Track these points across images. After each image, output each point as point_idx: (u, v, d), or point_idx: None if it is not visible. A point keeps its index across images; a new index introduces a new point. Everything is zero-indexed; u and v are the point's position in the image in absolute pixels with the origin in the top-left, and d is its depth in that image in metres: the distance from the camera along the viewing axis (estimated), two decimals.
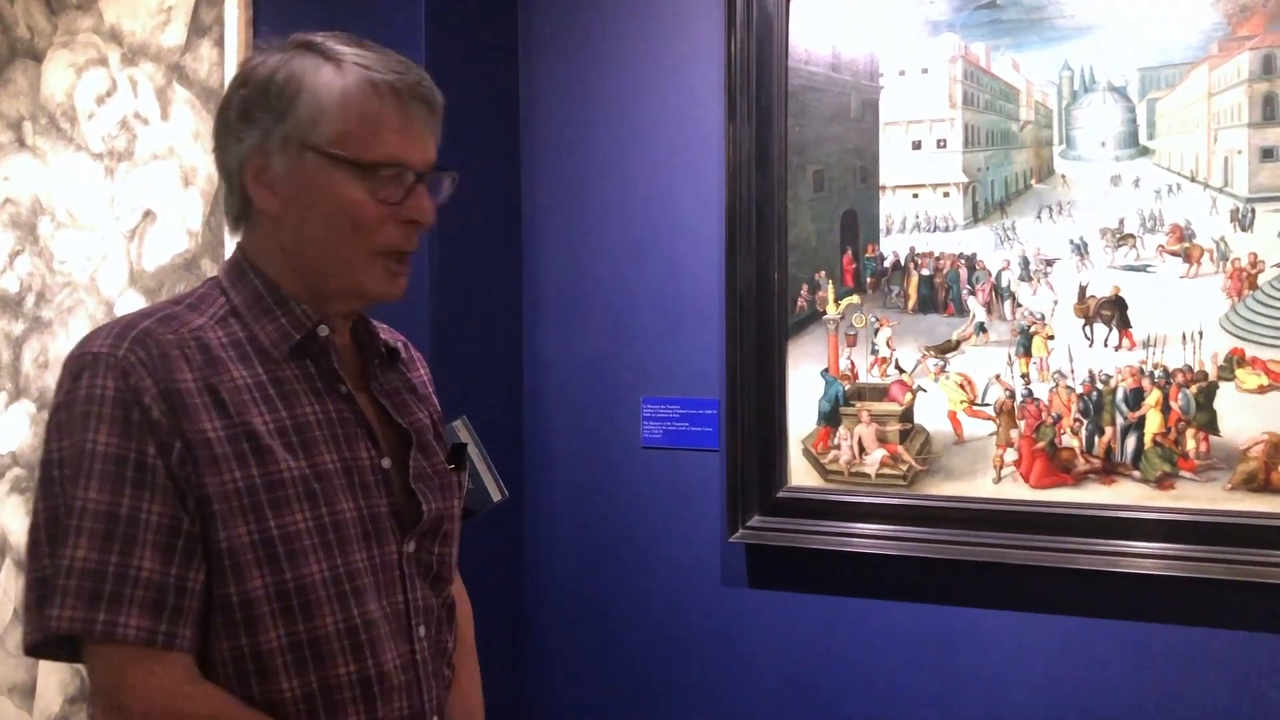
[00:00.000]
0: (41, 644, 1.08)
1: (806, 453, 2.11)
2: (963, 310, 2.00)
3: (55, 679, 2.55)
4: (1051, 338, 1.93)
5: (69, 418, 1.09)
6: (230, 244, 2.30)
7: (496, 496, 1.45)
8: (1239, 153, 1.81)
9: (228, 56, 2.29)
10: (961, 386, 2.00)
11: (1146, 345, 1.87)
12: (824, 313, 2.10)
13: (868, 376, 2.07)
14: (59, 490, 1.08)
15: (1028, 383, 1.95)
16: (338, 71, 1.16)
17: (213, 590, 1.11)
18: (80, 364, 1.11)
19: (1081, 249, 1.92)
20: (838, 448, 2.09)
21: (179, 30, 2.39)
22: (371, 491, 1.21)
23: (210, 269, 2.34)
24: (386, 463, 1.23)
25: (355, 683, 1.16)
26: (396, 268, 1.21)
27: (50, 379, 2.55)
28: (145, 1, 2.44)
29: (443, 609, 1.31)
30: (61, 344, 2.55)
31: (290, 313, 1.20)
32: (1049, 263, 1.94)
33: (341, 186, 1.16)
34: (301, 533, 1.13)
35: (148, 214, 2.44)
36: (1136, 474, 1.88)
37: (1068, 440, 1.92)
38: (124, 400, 1.08)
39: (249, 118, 1.17)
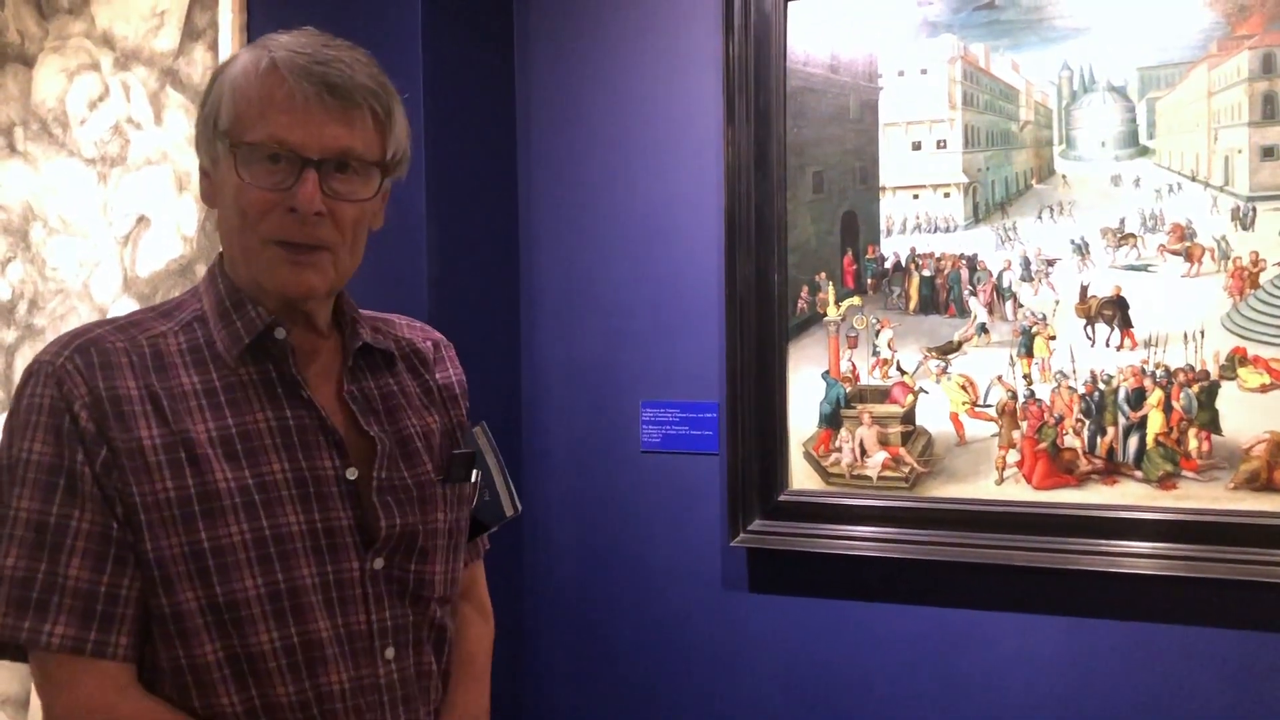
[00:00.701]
0: None
1: (808, 455, 2.11)
2: (964, 311, 2.00)
3: None
4: (1053, 338, 1.93)
5: (12, 426, 1.10)
6: None
7: (509, 511, 1.39)
8: (1239, 152, 1.81)
9: (222, 61, 2.27)
10: (963, 388, 1.99)
11: (1148, 345, 1.87)
12: (824, 314, 2.09)
13: (869, 378, 2.06)
14: (1, 500, 1.09)
15: (1030, 383, 1.95)
16: (248, 55, 1.14)
17: (148, 600, 1.09)
18: (28, 373, 1.11)
19: (1083, 249, 1.92)
20: (839, 450, 2.08)
21: (172, 34, 2.38)
22: (331, 503, 1.15)
23: None
24: (353, 473, 1.17)
25: (296, 704, 1.11)
26: (294, 258, 1.12)
27: None
28: (138, 5, 2.42)
29: (428, 630, 1.24)
30: None
31: (245, 315, 1.16)
32: (1050, 263, 1.94)
33: (229, 171, 1.12)
34: (236, 545, 1.09)
35: (141, 219, 2.42)
36: (1139, 474, 1.88)
37: (1070, 441, 1.92)
38: (57, 408, 1.08)
39: (200, 115, 1.18)
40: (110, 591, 1.07)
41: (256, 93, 1.10)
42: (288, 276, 1.13)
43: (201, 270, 2.33)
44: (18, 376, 2.50)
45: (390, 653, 1.18)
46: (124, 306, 2.44)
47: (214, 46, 2.30)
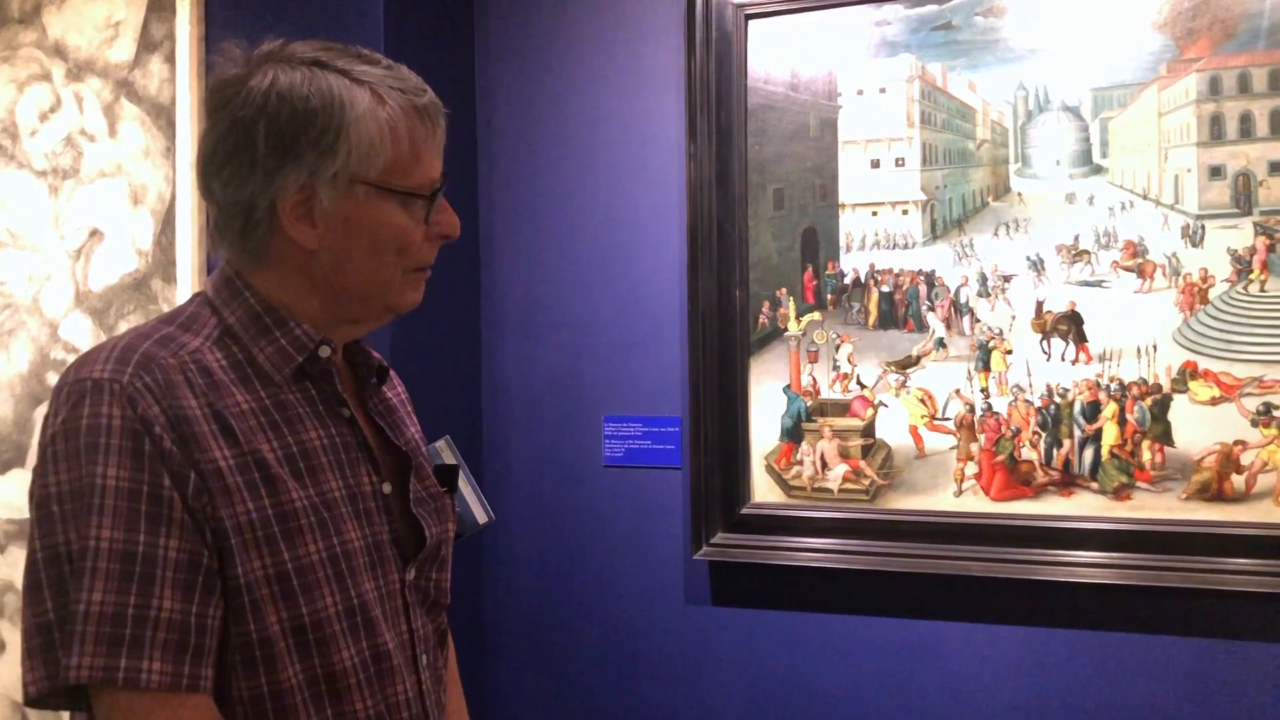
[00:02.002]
0: (50, 694, 1.01)
1: (769, 469, 2.12)
2: (922, 326, 2.03)
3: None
4: (1010, 352, 1.97)
5: (69, 448, 1.02)
6: (183, 263, 2.26)
7: (482, 519, 1.41)
8: (1188, 171, 1.87)
9: (179, 73, 2.25)
10: (922, 401, 2.02)
11: (1103, 359, 1.91)
12: (785, 329, 2.11)
13: (829, 392, 2.09)
14: (61, 527, 1.00)
15: (987, 397, 1.98)
16: (376, 98, 1.12)
17: (230, 628, 1.05)
18: (80, 390, 1.03)
19: (1038, 265, 1.96)
20: (800, 463, 2.10)
21: (127, 45, 2.35)
22: (374, 518, 1.17)
23: (162, 289, 2.29)
24: (387, 488, 1.19)
25: (373, 717, 1.12)
26: (422, 279, 1.21)
27: None
28: (92, 16, 2.39)
29: (437, 635, 1.28)
30: (2, 367, 2.47)
31: (290, 333, 1.14)
32: (1006, 279, 1.97)
33: (390, 215, 1.14)
34: (315, 564, 1.09)
35: (95, 233, 2.39)
36: (1094, 485, 1.91)
37: (1027, 453, 1.95)
38: (133, 430, 1.02)
39: (288, 152, 1.10)
40: (199, 622, 1.02)
41: (416, 138, 1.14)
42: (418, 296, 1.20)
43: (157, 284, 2.29)
44: None
45: (425, 660, 1.22)
46: (75, 321, 2.39)
47: (171, 58, 2.28)
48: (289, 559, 1.07)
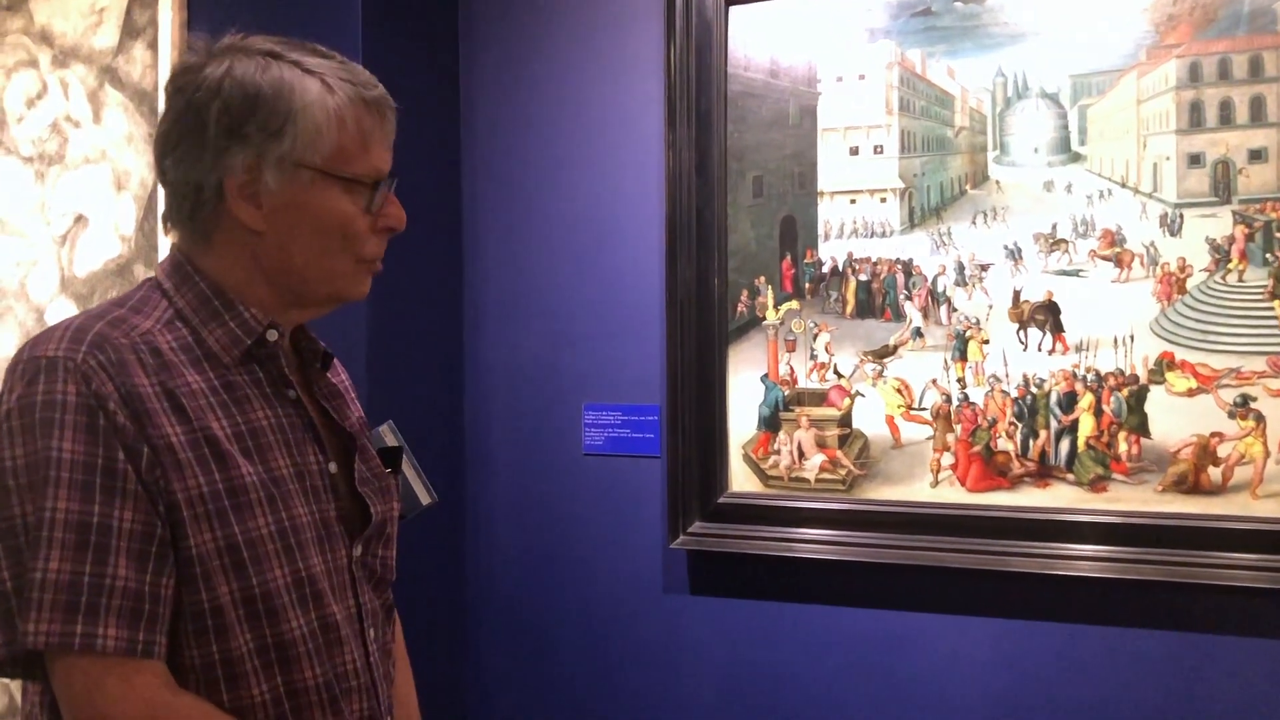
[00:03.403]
0: (8, 661, 1.05)
1: (747, 458, 2.11)
2: (900, 315, 2.01)
3: None
4: (986, 342, 1.95)
5: (24, 424, 1.05)
6: (165, 249, 2.26)
7: (425, 500, 1.44)
8: (1167, 159, 1.84)
9: (161, 59, 2.26)
10: (899, 391, 2.01)
11: (1079, 349, 1.89)
12: (763, 318, 2.10)
13: (807, 381, 2.07)
14: (17, 500, 1.04)
15: (964, 387, 1.96)
16: (325, 88, 1.16)
17: (182, 597, 1.09)
18: (34, 368, 1.07)
19: (1015, 254, 1.94)
20: (778, 453, 2.09)
21: (111, 32, 2.35)
22: (321, 496, 1.20)
23: (144, 274, 2.29)
24: (333, 467, 1.23)
25: (321, 685, 1.16)
26: (372, 271, 1.24)
27: None
28: (77, 2, 2.39)
29: (384, 610, 1.31)
30: None
31: (238, 316, 1.18)
32: (984, 268, 1.96)
33: (334, 200, 1.17)
34: (264, 538, 1.12)
35: (79, 219, 2.40)
36: (1070, 477, 1.90)
37: (1003, 444, 1.94)
38: (88, 405, 1.05)
39: (236, 134, 1.14)
40: (153, 591, 1.06)
41: (363, 127, 1.18)
42: (365, 288, 1.24)
43: (140, 270, 2.30)
44: None
45: (372, 633, 1.25)
46: (61, 306, 2.41)
47: (154, 45, 2.28)
48: (239, 532, 1.11)
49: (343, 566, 1.22)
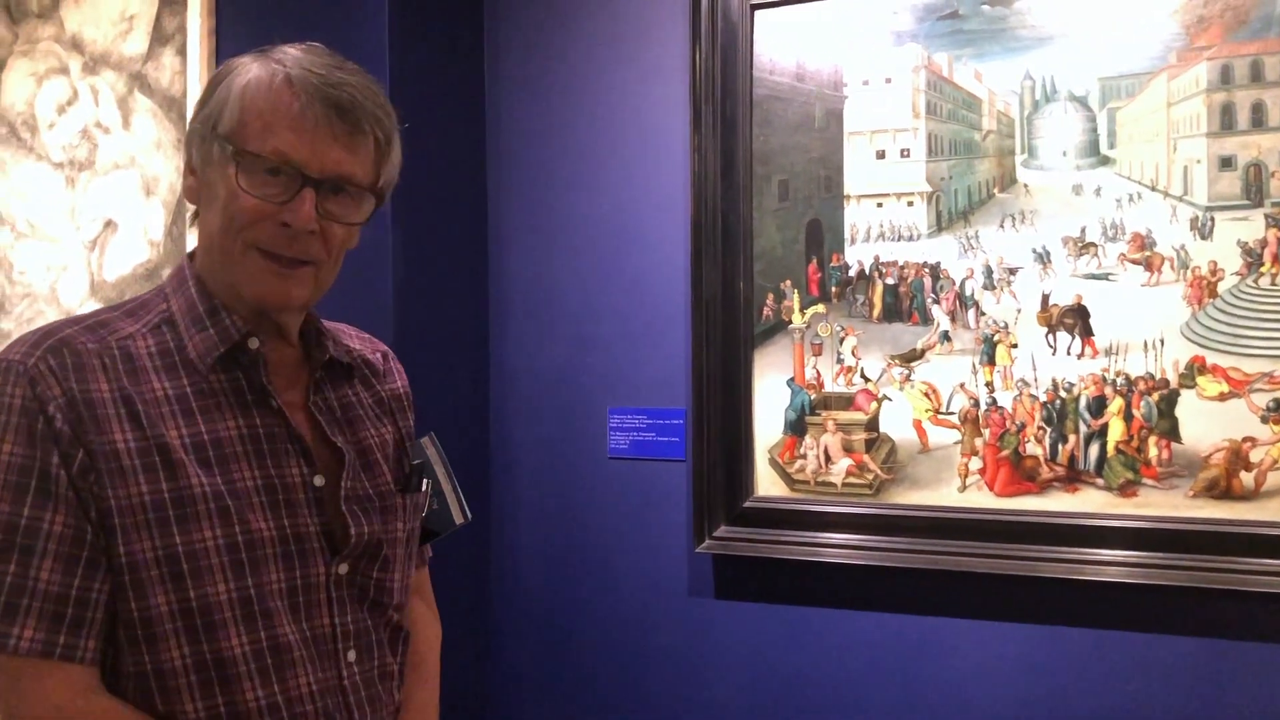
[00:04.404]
0: None
1: (773, 462, 2.11)
2: (927, 319, 2.01)
3: None
4: (1015, 346, 1.94)
5: None
6: None
7: (459, 519, 1.41)
8: (1198, 162, 1.83)
9: (190, 65, 2.27)
10: (926, 395, 2.00)
11: (1109, 353, 1.88)
12: (789, 322, 2.09)
13: (833, 385, 2.07)
14: None
15: (992, 391, 1.95)
16: (260, 67, 1.14)
17: (118, 605, 1.09)
18: None
19: (1044, 258, 1.93)
20: (804, 457, 2.09)
21: (141, 39, 2.37)
22: (299, 510, 1.17)
23: None
24: (320, 480, 1.20)
25: (265, 708, 1.12)
26: (279, 270, 1.15)
27: None
28: (107, 10, 2.41)
29: (386, 632, 1.27)
30: None
31: (220, 323, 1.17)
32: (1012, 271, 1.95)
33: (227, 173, 1.13)
34: (209, 550, 1.10)
35: (109, 224, 2.42)
36: (1100, 481, 1.88)
37: (1032, 448, 1.93)
38: (29, 409, 1.07)
39: (195, 115, 1.18)
40: (80, 595, 1.06)
41: (267, 105, 1.12)
42: (272, 286, 1.15)
43: (168, 275, 2.32)
44: None
45: (352, 655, 1.20)
46: (90, 311, 2.43)
47: (183, 51, 2.30)
48: (180, 543, 1.09)
49: (318, 584, 1.18)
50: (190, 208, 1.23)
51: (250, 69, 1.14)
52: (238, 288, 1.16)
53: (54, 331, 1.12)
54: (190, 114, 1.19)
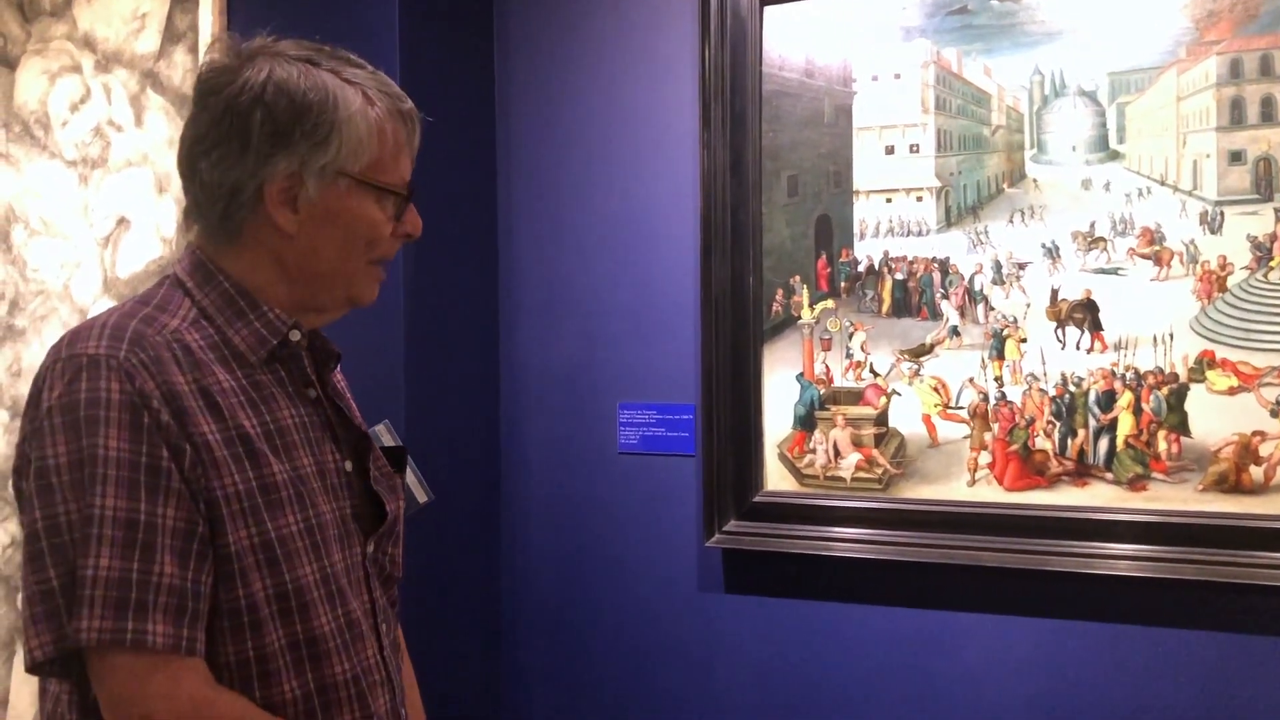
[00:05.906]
0: (55, 657, 1.05)
1: (782, 457, 2.12)
2: (936, 314, 2.01)
3: (29, 689, 2.53)
4: (1024, 341, 1.94)
5: (67, 421, 1.06)
6: None
7: (422, 498, 1.49)
8: (1207, 156, 1.83)
9: (201, 63, 2.28)
10: (936, 390, 2.00)
11: (1118, 348, 1.88)
12: (799, 317, 2.10)
13: (842, 380, 2.07)
14: (62, 498, 1.05)
15: (1001, 385, 1.96)
16: (366, 100, 1.19)
17: (219, 594, 1.10)
18: (76, 365, 1.08)
19: (1053, 252, 1.93)
20: (813, 452, 2.09)
21: (153, 37, 2.39)
22: (340, 494, 1.23)
23: None
24: (349, 465, 1.25)
25: (349, 680, 1.18)
26: (382, 274, 1.27)
27: (23, 388, 2.53)
28: (119, 8, 2.43)
29: (392, 608, 1.34)
30: (35, 352, 2.53)
31: (263, 316, 1.19)
32: (1021, 266, 1.95)
33: (367, 208, 1.21)
34: (294, 535, 1.15)
35: (122, 221, 2.43)
36: (1109, 476, 1.89)
37: (1041, 443, 1.93)
38: (132, 403, 1.06)
39: (282, 140, 1.15)
40: (195, 588, 1.07)
41: (391, 139, 1.22)
42: (375, 292, 1.27)
43: None
44: (0, 376, 2.51)
45: (384, 629, 1.28)
46: (104, 308, 2.44)
47: (194, 49, 2.32)
48: (272, 529, 1.13)
49: (358, 563, 1.24)
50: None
51: (356, 102, 1.18)
52: (350, 294, 1.25)
53: (121, 325, 1.11)
54: (236, 139, 1.17)
